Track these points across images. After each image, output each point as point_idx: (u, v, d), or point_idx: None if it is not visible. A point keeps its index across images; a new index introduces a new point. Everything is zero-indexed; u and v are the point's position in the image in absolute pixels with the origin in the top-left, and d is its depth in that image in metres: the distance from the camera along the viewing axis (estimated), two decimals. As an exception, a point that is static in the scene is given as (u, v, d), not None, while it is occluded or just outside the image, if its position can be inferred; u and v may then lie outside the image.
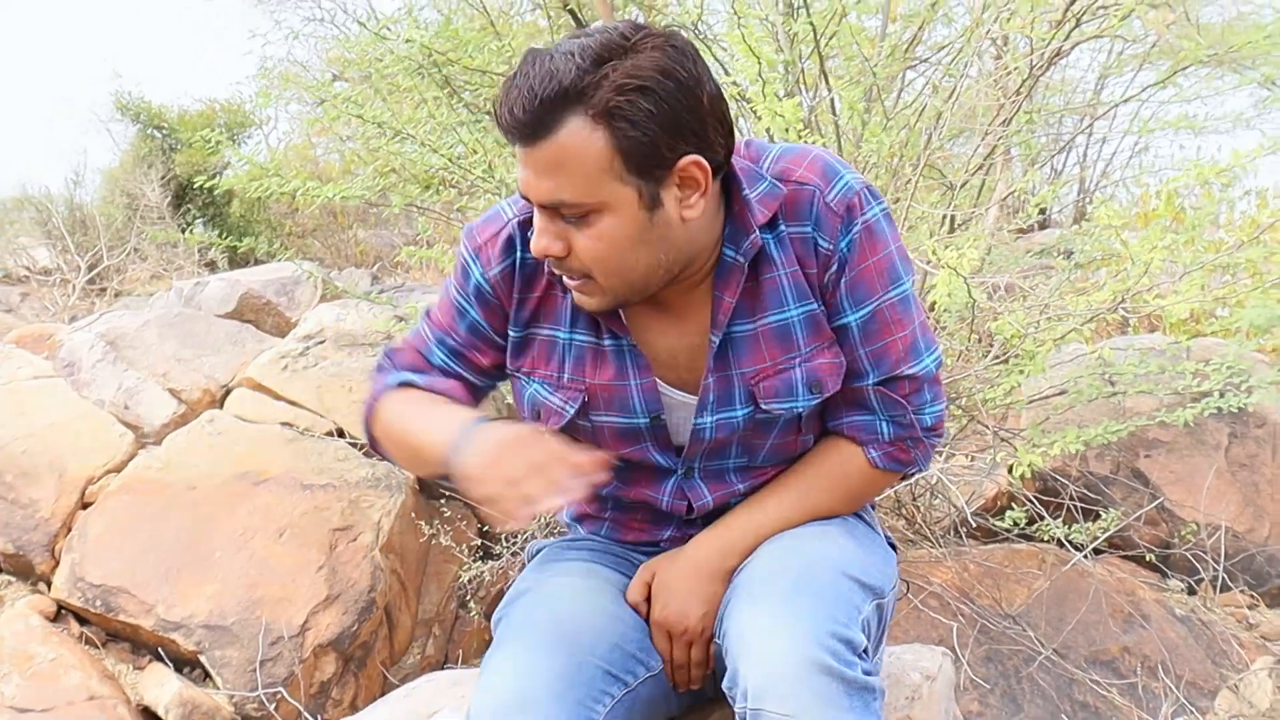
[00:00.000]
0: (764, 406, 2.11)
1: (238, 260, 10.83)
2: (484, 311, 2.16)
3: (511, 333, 2.17)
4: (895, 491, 5.26)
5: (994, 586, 4.73)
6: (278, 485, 4.80)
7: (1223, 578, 5.25)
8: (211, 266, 11.21)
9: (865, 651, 1.90)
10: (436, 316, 2.25)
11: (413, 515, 4.96)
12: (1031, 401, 5.28)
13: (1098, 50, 10.15)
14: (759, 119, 4.04)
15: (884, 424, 2.17)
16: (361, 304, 5.97)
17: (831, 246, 2.02)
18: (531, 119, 1.78)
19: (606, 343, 2.11)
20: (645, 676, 2.09)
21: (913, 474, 2.39)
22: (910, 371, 2.13)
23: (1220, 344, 5.91)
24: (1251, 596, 5.33)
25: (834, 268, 2.04)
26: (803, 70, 4.96)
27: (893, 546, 2.38)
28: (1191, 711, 4.40)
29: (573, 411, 2.14)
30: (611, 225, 1.86)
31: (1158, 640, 4.65)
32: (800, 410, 2.12)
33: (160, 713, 4.19)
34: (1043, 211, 10.34)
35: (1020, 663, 4.47)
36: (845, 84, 4.97)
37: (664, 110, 1.81)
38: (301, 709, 4.28)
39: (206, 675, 4.37)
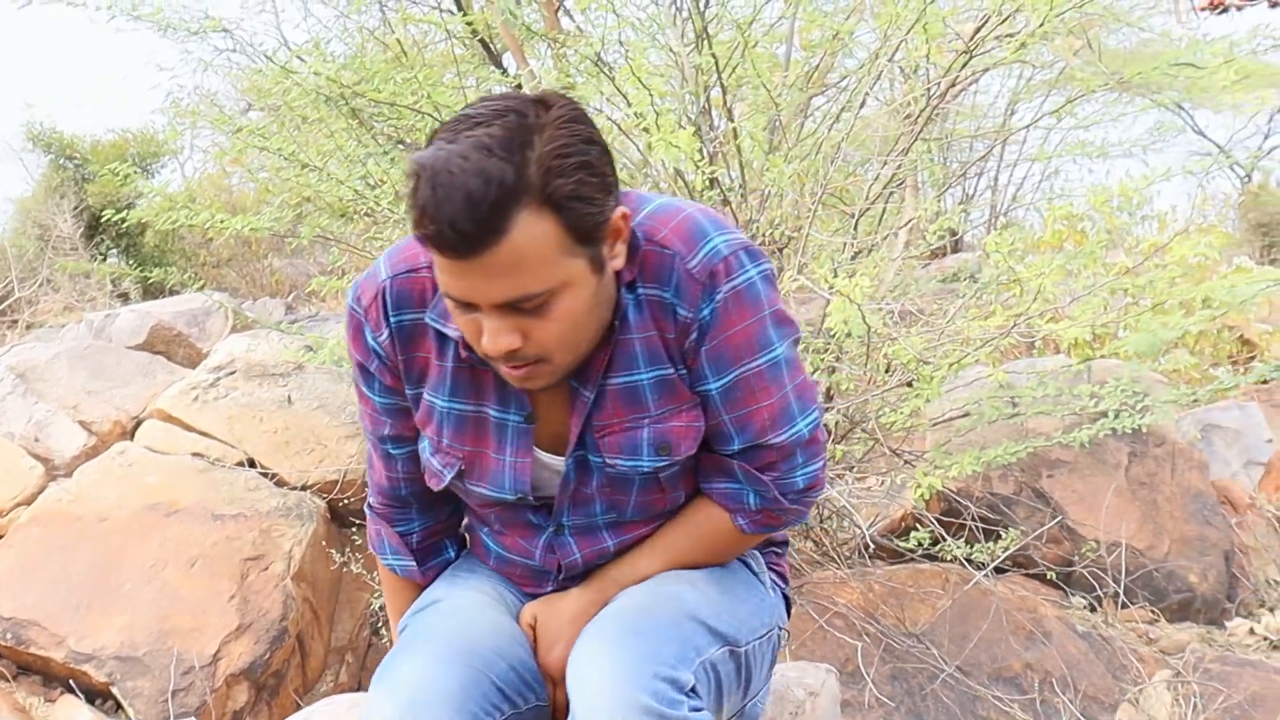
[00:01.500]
0: (608, 461, 2.08)
1: (151, 291, 10.80)
2: (385, 375, 2.14)
3: (407, 389, 2.13)
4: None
5: (898, 606, 4.82)
6: (189, 516, 4.82)
7: (1123, 594, 5.37)
8: (124, 298, 11.17)
9: (694, 690, 1.93)
10: (364, 409, 2.24)
11: (324, 544, 4.99)
12: (935, 424, 5.38)
13: (1008, 75, 10.31)
14: (651, 149, 4.11)
15: (750, 494, 2.15)
16: (273, 334, 6.00)
17: (691, 315, 1.98)
18: (480, 228, 1.69)
19: (491, 413, 2.10)
20: (534, 704, 2.11)
21: (791, 525, 2.31)
22: (777, 440, 2.10)
23: (1121, 365, 6.06)
24: (1152, 612, 5.45)
25: (694, 335, 2.00)
26: (708, 100, 5.05)
27: (786, 598, 2.41)
28: (1091, 725, 4.51)
29: (450, 476, 2.15)
30: (571, 301, 1.83)
31: (1059, 656, 4.75)
32: (646, 469, 2.10)
33: (71, 745, 4.21)
34: (955, 234, 10.48)
35: (924, 680, 4.56)
36: (752, 110, 5.04)
37: (598, 175, 1.79)
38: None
39: (118, 707, 4.38)
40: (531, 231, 1.72)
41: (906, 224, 6.25)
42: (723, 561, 2.26)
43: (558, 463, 2.13)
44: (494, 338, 1.81)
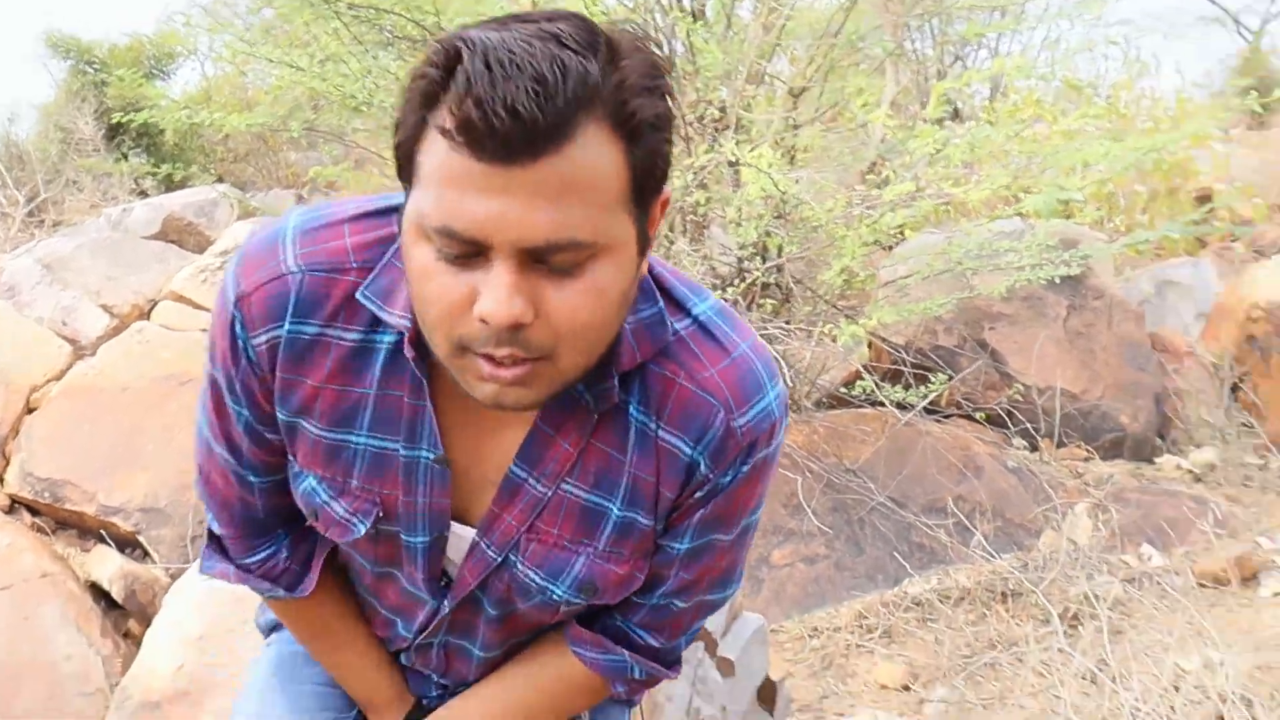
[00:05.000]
0: (519, 569, 1.62)
1: (172, 188, 11.20)
2: (254, 390, 1.56)
3: (279, 412, 1.56)
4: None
5: (839, 446, 5.29)
6: (199, 385, 5.31)
7: (1059, 434, 5.86)
8: (145, 195, 11.57)
9: None
10: (212, 421, 1.66)
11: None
12: (886, 284, 5.83)
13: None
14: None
15: (635, 667, 1.76)
16: (272, 218, 6.47)
17: (712, 476, 1.54)
18: (548, 118, 1.19)
19: (400, 451, 1.55)
20: None
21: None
22: (711, 597, 1.74)
23: (1071, 227, 6.49)
24: (1086, 450, 5.94)
25: (700, 494, 1.56)
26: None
27: None
28: (1014, 548, 5.00)
29: (365, 528, 1.60)
30: (611, 274, 1.31)
31: (988, 489, 5.23)
32: (557, 598, 1.63)
33: (105, 586, 4.72)
34: (952, 104, 10.81)
35: (863, 511, 5.05)
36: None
37: (672, 121, 1.36)
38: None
39: (145, 553, 4.90)
40: (598, 154, 1.25)
41: (890, 100, 6.65)
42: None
43: (465, 534, 1.64)
44: (505, 302, 1.25)
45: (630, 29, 1.31)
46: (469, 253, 1.26)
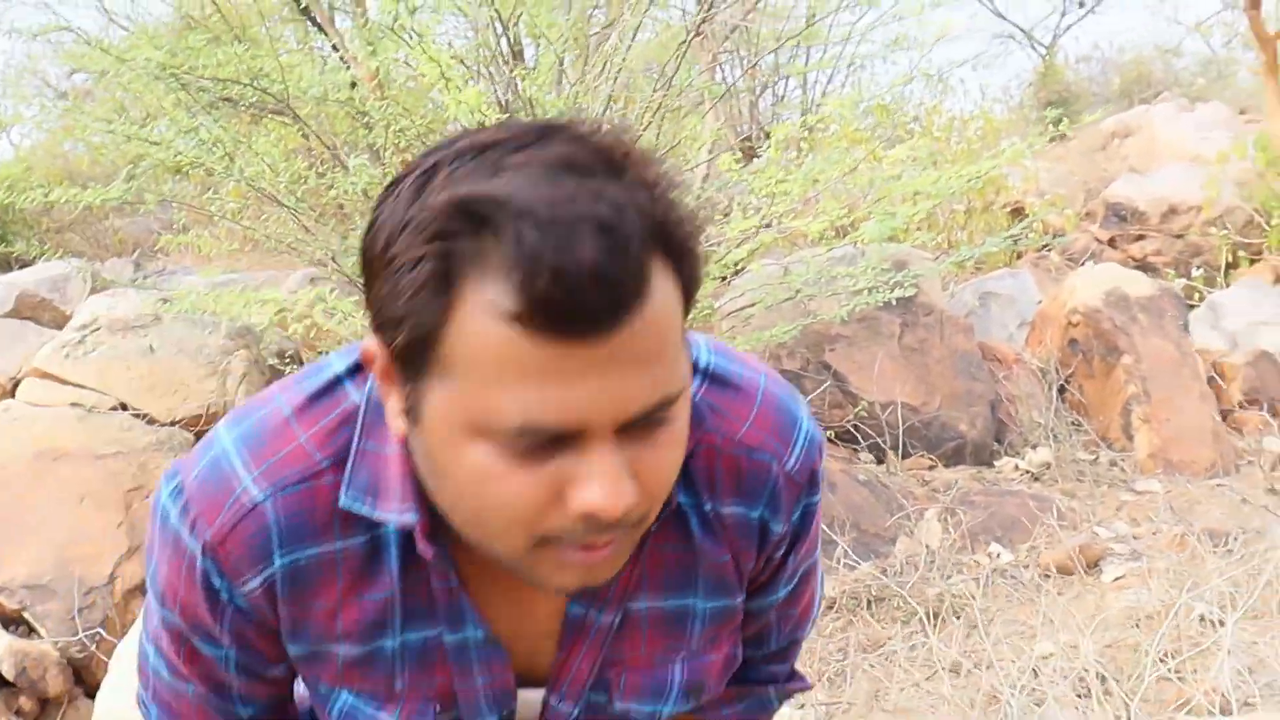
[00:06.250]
0: (618, 707, 1.47)
1: (1, 263, 11.07)
2: (248, 633, 1.36)
3: (291, 649, 1.38)
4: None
5: (701, 473, 5.49)
6: (74, 459, 5.35)
7: (903, 446, 6.15)
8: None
9: None
10: (184, 669, 1.42)
11: (197, 471, 5.56)
12: (728, 315, 6.08)
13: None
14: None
15: (770, 699, 1.65)
16: (129, 291, 6.54)
17: (785, 529, 1.41)
18: (631, 278, 0.99)
19: (447, 637, 1.37)
20: None
21: None
22: (813, 616, 1.66)
23: (901, 248, 6.82)
24: (930, 459, 6.24)
25: (781, 550, 1.45)
26: (499, 48, 5.65)
27: None
28: (873, 556, 5.26)
29: None
30: (684, 411, 1.15)
31: (844, 503, 5.49)
32: (664, 716, 1.49)
33: (-6, 665, 4.78)
34: (769, 136, 11.15)
35: (727, 533, 5.26)
36: (542, 49, 5.61)
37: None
38: (118, 643, 4.91)
39: (31, 629, 4.95)
40: (665, 292, 1.04)
41: (710, 140, 6.90)
42: None
43: (534, 698, 1.48)
44: (616, 491, 1.06)
45: (608, 127, 1.08)
46: (553, 441, 1.05)
